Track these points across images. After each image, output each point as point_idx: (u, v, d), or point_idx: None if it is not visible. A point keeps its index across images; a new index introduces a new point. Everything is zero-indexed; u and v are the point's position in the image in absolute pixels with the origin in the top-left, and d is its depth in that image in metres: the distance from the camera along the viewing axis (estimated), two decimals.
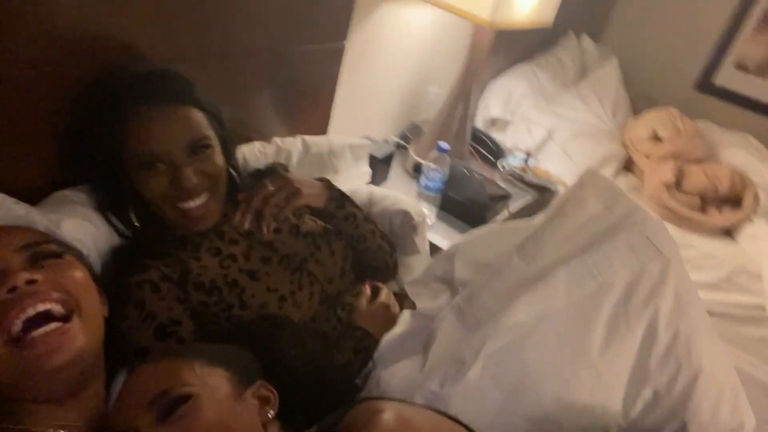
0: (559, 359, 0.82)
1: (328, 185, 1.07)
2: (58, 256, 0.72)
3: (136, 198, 0.90)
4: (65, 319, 0.66)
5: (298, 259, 1.00)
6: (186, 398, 0.64)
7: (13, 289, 0.64)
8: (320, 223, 1.08)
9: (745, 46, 2.62)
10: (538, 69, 2.41)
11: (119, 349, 0.81)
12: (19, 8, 0.79)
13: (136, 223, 0.93)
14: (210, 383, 0.68)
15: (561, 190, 2.04)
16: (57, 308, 0.65)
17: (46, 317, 0.64)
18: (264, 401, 0.73)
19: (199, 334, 0.87)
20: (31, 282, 0.65)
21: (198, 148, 0.88)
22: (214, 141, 0.91)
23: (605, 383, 0.81)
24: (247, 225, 0.93)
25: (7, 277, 0.65)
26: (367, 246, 1.10)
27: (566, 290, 0.85)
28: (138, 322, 0.83)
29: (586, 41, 2.72)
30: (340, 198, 1.06)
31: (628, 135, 2.33)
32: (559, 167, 2.14)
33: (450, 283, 0.96)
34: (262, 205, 0.94)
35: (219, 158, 0.92)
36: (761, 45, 2.60)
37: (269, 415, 0.72)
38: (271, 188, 0.95)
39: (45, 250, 0.71)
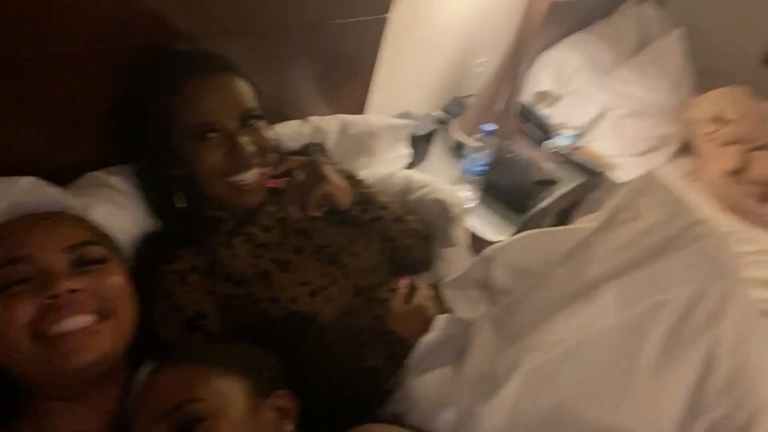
0: (604, 383, 0.76)
1: (355, 183, 1.01)
2: (102, 261, 0.70)
3: (181, 177, 0.88)
4: (98, 319, 0.65)
5: (332, 249, 0.97)
6: (201, 419, 0.63)
7: (54, 296, 0.63)
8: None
9: None
10: (594, 39, 2.25)
11: (147, 339, 0.80)
12: None
13: (180, 204, 0.90)
14: (227, 398, 0.66)
15: (611, 174, 1.93)
16: (92, 318, 0.65)
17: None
18: (283, 413, 0.71)
19: (227, 328, 0.85)
20: (73, 291, 0.64)
21: (249, 118, 0.86)
22: (261, 114, 0.89)
23: (654, 412, 0.75)
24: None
25: (51, 280, 0.64)
26: (396, 246, 1.05)
27: (615, 308, 0.78)
28: (166, 314, 0.82)
29: (649, 8, 2.52)
30: (364, 201, 0.99)
31: (690, 115, 2.17)
32: (612, 148, 2.03)
33: (489, 290, 0.90)
34: (295, 196, 0.91)
35: (267, 131, 0.90)
36: None
37: (288, 429, 0.70)
38: (300, 178, 0.91)
39: (91, 255, 0.69)
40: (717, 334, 0.76)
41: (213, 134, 0.83)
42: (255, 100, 0.88)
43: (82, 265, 0.68)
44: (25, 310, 0.62)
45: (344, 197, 0.95)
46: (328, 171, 0.93)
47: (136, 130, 0.88)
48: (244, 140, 0.84)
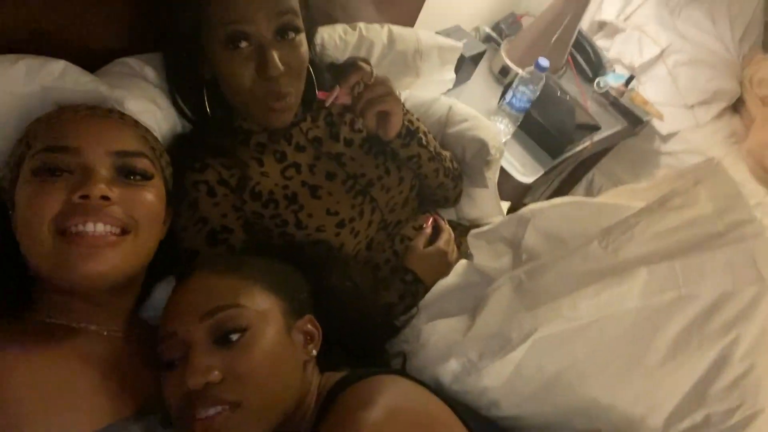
0: (612, 361, 0.77)
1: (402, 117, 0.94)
2: (146, 177, 0.67)
3: (210, 82, 0.83)
4: (120, 233, 0.63)
5: (364, 181, 0.93)
6: (243, 328, 0.64)
7: (85, 197, 0.60)
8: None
9: None
10: None
11: (170, 248, 0.79)
12: None
13: (208, 109, 0.85)
14: (267, 312, 0.67)
15: (656, 124, 1.84)
16: (115, 230, 0.63)
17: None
18: (309, 338, 0.72)
19: (249, 245, 0.84)
20: (104, 198, 0.61)
21: (287, 30, 0.78)
22: (302, 26, 0.81)
23: (654, 396, 0.77)
24: (335, 100, 0.84)
25: (90, 180, 0.61)
26: (427, 183, 1.02)
27: (643, 292, 0.77)
28: (190, 223, 0.81)
29: None
30: (407, 135, 0.94)
31: (751, 72, 2.03)
32: (660, 94, 1.92)
33: (516, 249, 0.89)
34: (359, 90, 0.84)
35: (305, 47, 0.83)
36: None
37: (312, 354, 0.72)
38: (372, 76, 0.85)
39: (137, 167, 0.67)
40: (736, 337, 0.76)
41: (245, 44, 0.76)
42: (298, 10, 0.79)
43: (125, 174, 0.65)
44: (54, 203, 0.60)
45: (396, 126, 0.90)
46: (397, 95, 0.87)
47: (168, 20, 0.81)
48: (275, 55, 0.76)
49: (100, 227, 0.61)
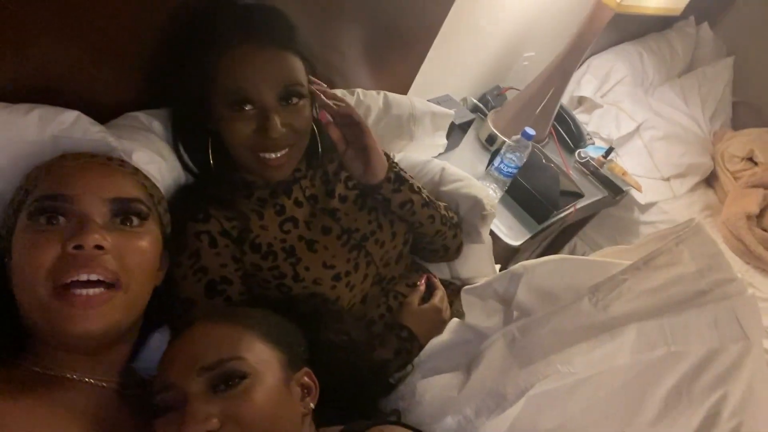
0: (605, 419, 0.78)
1: (390, 164, 0.98)
2: (142, 218, 0.68)
3: (215, 136, 0.86)
4: (112, 286, 0.63)
5: (359, 236, 0.96)
6: (243, 375, 0.63)
7: (79, 246, 0.61)
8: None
9: None
10: (645, 52, 2.20)
11: (166, 296, 0.79)
12: None
13: (211, 161, 0.88)
14: (266, 364, 0.67)
15: (635, 194, 1.92)
16: (108, 278, 0.62)
17: (95, 282, 0.62)
18: (306, 391, 0.72)
19: (247, 296, 0.85)
20: (98, 247, 0.62)
21: (291, 96, 0.82)
22: (307, 93, 0.86)
23: None
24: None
25: (83, 227, 0.62)
26: (423, 232, 1.04)
27: (633, 349, 0.79)
28: (190, 273, 0.81)
29: (705, 30, 2.46)
30: (396, 180, 0.97)
31: (722, 148, 2.15)
32: (638, 167, 2.01)
33: (507, 305, 0.90)
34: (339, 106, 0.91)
35: (308, 111, 0.87)
36: None
37: (310, 407, 0.71)
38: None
39: (133, 210, 0.67)
40: (725, 393, 0.77)
41: (249, 107, 0.80)
42: (303, 79, 0.84)
43: (121, 219, 0.66)
44: (49, 253, 0.60)
45: (379, 161, 0.93)
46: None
47: (178, 77, 0.85)
48: (276, 120, 0.80)
49: (94, 277, 0.61)
